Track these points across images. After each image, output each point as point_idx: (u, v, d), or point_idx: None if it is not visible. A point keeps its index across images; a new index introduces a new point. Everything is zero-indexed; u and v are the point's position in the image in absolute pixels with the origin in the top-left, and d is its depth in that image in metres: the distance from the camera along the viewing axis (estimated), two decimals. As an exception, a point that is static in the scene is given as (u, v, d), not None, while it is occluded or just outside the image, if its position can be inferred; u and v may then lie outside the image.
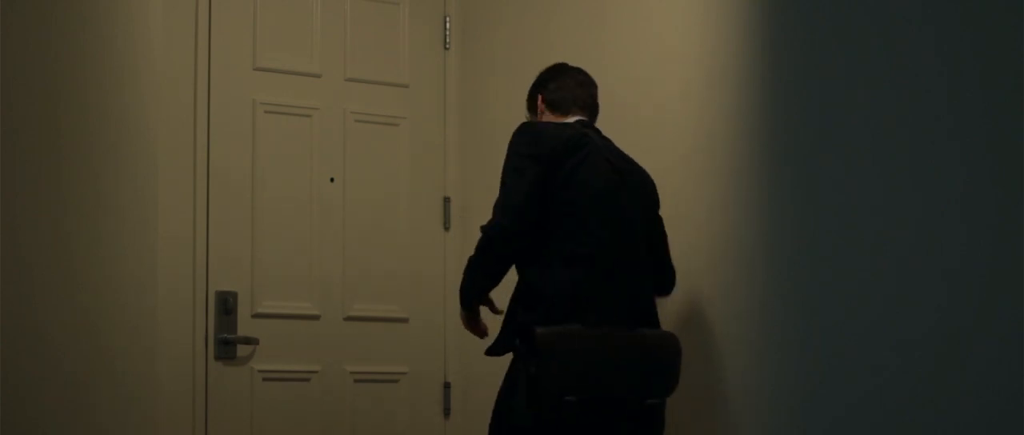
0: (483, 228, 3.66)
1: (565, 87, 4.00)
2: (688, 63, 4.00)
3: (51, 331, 3.26)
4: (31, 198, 3.21)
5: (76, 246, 3.40)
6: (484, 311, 3.80)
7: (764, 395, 3.65)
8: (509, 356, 3.69)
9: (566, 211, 3.67)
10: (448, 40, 4.96)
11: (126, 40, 3.70)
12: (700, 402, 3.87)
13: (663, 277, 3.92)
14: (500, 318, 3.74)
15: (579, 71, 4.05)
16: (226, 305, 4.47)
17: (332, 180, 4.72)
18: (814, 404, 3.48)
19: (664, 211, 3.93)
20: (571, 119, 3.92)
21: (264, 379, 4.52)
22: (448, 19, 4.97)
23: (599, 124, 3.92)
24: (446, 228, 4.94)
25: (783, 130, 3.64)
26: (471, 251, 3.72)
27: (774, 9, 3.69)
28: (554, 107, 3.98)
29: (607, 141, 3.87)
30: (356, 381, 4.76)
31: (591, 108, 3.98)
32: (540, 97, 4.00)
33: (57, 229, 3.31)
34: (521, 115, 3.99)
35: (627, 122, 4.15)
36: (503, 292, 3.75)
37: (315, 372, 4.67)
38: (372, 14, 4.86)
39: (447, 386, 4.93)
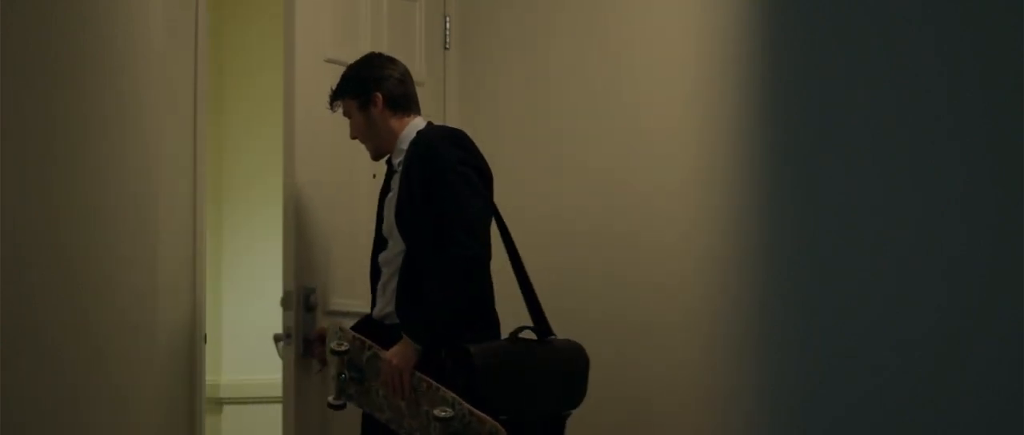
0: (458, 256, 3.36)
1: (407, 83, 3.58)
2: (688, 63, 3.99)
3: (50, 331, 3.26)
4: (30, 199, 3.21)
5: (75, 247, 3.39)
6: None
7: (764, 395, 3.65)
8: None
9: None
10: (448, 40, 4.95)
11: (126, 40, 3.70)
12: (700, 402, 3.86)
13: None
14: None
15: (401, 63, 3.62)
16: (226, 305, 4.47)
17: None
18: (814, 404, 3.48)
19: (665, 211, 3.93)
20: (420, 122, 3.59)
21: (264, 379, 4.52)
22: (448, 19, 4.96)
23: (600, 125, 3.90)
24: (446, 228, 4.94)
25: (783, 130, 3.64)
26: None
27: (774, 9, 3.68)
28: (397, 107, 3.56)
29: None
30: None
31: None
32: (379, 94, 3.54)
33: (56, 230, 3.31)
34: (522, 114, 3.96)
35: (627, 123, 4.14)
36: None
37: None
38: (372, 14, 4.85)
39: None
